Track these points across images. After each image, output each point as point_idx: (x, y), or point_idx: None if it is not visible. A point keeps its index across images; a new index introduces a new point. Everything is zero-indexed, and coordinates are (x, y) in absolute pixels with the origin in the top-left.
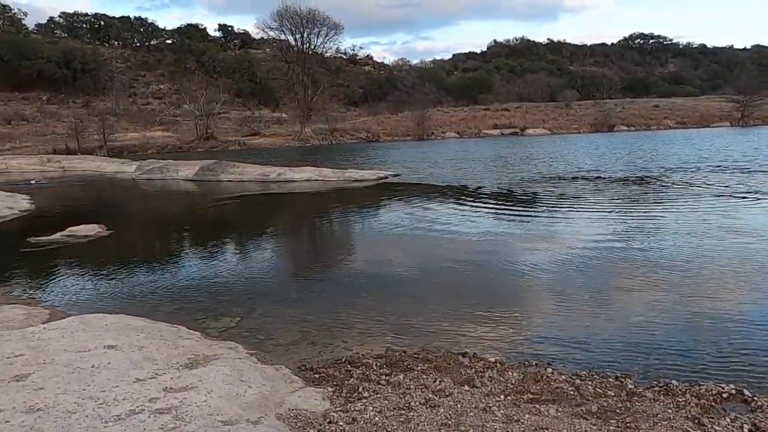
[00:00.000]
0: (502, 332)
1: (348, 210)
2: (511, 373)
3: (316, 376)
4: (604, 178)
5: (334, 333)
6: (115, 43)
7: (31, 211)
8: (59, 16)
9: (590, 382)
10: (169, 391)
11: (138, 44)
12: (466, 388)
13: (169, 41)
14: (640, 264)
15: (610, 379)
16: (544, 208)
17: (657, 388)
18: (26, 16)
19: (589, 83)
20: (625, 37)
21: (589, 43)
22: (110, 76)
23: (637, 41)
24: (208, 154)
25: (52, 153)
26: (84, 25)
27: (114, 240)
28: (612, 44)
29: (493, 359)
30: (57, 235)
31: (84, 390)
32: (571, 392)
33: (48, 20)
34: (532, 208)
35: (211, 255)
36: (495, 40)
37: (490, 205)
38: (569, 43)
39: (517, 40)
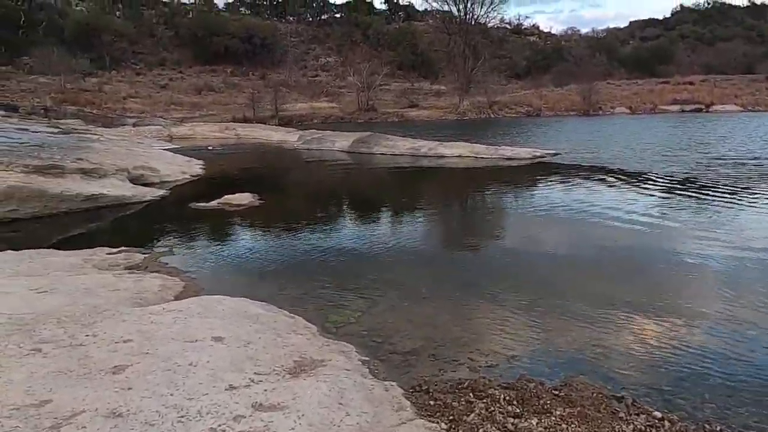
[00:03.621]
0: (670, 369)
1: (499, 191)
2: None
3: (431, 402)
4: None
5: (461, 345)
6: (290, 18)
7: (201, 177)
8: None
9: None
10: (257, 408)
11: (310, 19)
12: None
13: (337, 15)
14: None
15: None
16: (734, 201)
17: None
18: None
19: None
20: None
21: None
22: (284, 50)
23: None
24: (367, 124)
25: (231, 121)
26: (265, 2)
27: (264, 210)
28: None
29: (659, 414)
30: (214, 203)
31: (171, 395)
32: None
33: None
34: (719, 199)
35: (349, 233)
36: (681, 5)
37: (669, 194)
38: None
39: (708, 3)
